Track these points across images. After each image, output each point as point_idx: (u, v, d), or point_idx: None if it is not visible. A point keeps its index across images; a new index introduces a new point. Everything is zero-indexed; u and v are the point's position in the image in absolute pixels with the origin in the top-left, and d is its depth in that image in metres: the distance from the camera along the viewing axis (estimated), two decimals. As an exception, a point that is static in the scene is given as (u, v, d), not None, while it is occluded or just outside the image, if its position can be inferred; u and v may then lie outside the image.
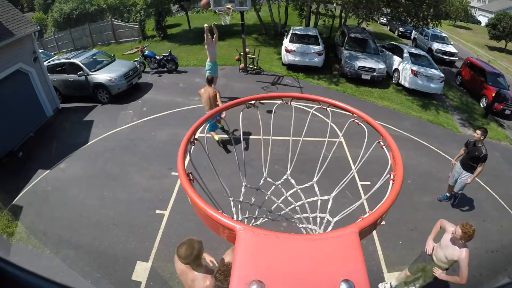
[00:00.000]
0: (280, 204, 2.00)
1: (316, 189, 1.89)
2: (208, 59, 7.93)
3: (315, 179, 1.91)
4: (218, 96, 5.93)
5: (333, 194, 1.83)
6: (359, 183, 5.66)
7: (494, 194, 6.25)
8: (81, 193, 5.57)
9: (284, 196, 2.01)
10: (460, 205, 5.69)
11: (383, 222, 1.06)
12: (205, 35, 7.61)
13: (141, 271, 4.17)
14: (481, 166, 4.97)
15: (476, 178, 5.16)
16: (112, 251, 4.46)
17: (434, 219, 5.30)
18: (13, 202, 5.45)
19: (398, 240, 4.83)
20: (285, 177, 2.01)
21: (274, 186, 2.01)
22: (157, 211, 5.10)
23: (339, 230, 0.77)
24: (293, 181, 2.00)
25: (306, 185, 1.98)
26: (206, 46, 7.79)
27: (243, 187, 1.88)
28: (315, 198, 1.87)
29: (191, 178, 1.13)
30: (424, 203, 5.69)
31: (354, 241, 0.74)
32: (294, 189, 2.01)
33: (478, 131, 4.94)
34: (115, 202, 5.35)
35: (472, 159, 5.04)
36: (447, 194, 5.73)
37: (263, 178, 1.99)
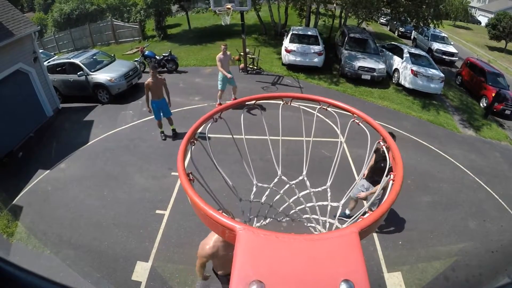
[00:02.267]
0: (291, 204, 2.02)
1: (328, 194, 1.90)
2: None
3: (328, 183, 1.91)
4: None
5: (342, 201, 1.85)
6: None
7: (494, 194, 6.24)
8: (81, 193, 5.57)
9: (296, 196, 2.02)
10: (460, 205, 5.69)
11: (382, 222, 1.06)
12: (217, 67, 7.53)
13: (141, 271, 4.17)
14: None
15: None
16: (112, 251, 4.46)
17: (434, 219, 5.36)
18: (13, 202, 5.45)
19: (398, 240, 4.83)
20: (300, 177, 2.02)
21: (285, 186, 2.02)
22: (157, 211, 5.10)
23: (339, 230, 0.77)
24: (308, 183, 2.01)
25: (320, 189, 1.98)
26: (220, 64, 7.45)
27: (254, 186, 1.89)
28: (325, 203, 1.88)
29: (191, 178, 1.13)
30: (424, 203, 5.69)
31: (354, 241, 0.73)
32: (301, 192, 2.01)
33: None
34: (115, 202, 5.35)
35: (377, 171, 3.89)
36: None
37: (277, 177, 2.00)
